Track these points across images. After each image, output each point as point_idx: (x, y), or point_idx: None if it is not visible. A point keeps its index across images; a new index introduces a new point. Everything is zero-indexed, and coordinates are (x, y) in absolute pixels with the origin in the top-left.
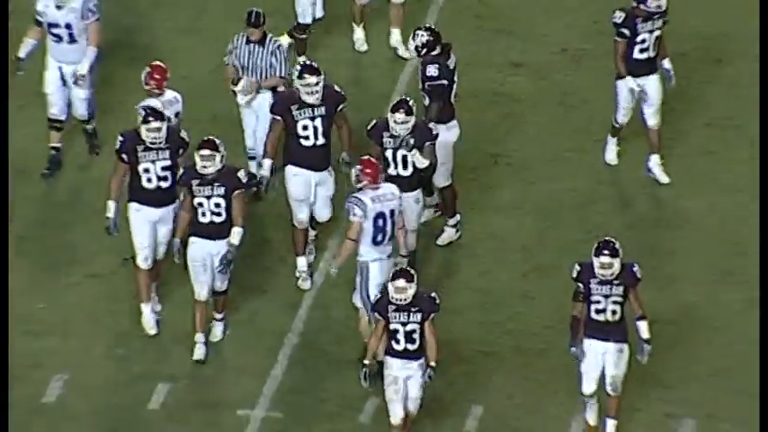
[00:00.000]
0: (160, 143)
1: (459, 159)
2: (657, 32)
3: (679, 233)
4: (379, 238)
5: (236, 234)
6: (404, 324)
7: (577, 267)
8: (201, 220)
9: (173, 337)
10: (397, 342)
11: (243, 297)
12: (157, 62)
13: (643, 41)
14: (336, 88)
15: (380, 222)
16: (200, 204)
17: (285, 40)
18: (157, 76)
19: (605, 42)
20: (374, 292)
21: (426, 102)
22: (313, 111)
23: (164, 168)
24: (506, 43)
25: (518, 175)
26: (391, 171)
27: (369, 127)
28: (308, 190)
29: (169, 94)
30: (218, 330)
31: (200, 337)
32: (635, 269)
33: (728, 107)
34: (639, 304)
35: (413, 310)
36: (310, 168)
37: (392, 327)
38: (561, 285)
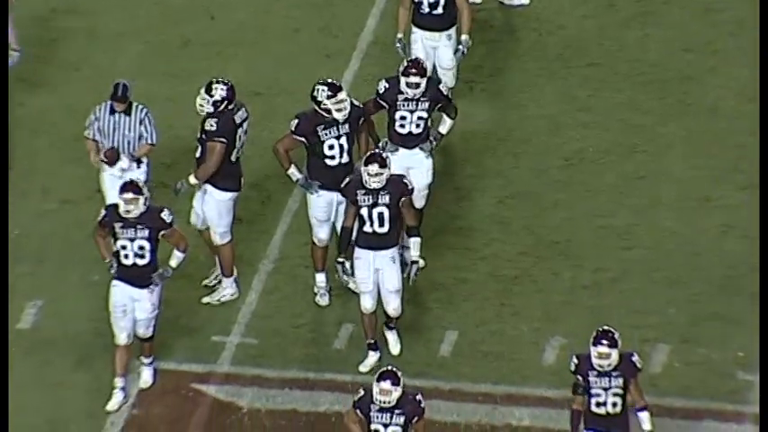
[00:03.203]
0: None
1: None
2: None
3: (654, 156)
4: None
5: (176, 257)
6: (385, 426)
7: (575, 360)
8: (124, 262)
9: None
10: None
11: None
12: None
13: None
14: (355, 102)
15: None
16: (124, 247)
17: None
18: None
19: None
20: None
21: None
22: (339, 129)
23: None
24: None
25: (493, 101)
26: (367, 228)
27: (342, 185)
28: (330, 210)
29: None
30: (147, 375)
31: (118, 381)
32: (634, 359)
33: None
34: (640, 394)
35: (396, 412)
36: (334, 188)
37: (373, 427)
38: (536, 212)
